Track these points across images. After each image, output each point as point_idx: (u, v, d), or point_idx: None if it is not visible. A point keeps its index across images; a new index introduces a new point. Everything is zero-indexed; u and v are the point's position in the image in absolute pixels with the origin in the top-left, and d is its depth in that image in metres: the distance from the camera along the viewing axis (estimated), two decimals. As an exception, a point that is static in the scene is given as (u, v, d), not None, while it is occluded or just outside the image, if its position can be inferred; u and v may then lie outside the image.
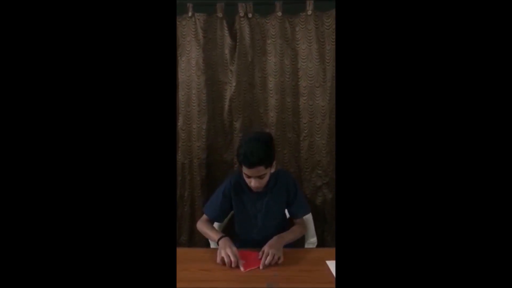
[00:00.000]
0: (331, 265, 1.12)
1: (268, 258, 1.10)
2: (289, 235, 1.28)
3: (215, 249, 1.22)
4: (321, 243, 1.58)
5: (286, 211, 1.42)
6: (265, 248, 1.15)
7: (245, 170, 1.18)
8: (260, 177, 1.19)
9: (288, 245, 1.33)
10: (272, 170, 1.25)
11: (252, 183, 1.20)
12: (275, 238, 1.21)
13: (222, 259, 1.10)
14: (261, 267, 1.09)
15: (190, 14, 1.69)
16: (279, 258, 1.13)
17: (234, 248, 1.13)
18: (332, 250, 1.18)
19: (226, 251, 1.11)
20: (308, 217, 1.50)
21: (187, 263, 1.16)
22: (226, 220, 1.47)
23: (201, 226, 1.33)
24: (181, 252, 1.29)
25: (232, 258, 1.07)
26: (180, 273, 1.09)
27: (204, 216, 1.36)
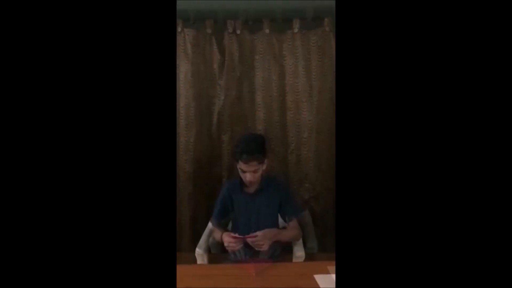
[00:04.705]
0: (319, 279, 1.12)
1: (252, 239, 1.26)
2: (286, 233, 1.40)
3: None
4: (308, 257, 1.57)
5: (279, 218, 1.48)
6: (258, 232, 1.29)
7: (241, 165, 1.35)
8: (254, 171, 1.35)
9: (275, 259, 1.33)
10: (264, 167, 1.40)
11: (247, 177, 1.36)
12: (273, 229, 1.35)
13: (227, 243, 1.31)
14: (248, 240, 1.27)
15: (179, 29, 1.72)
16: (262, 246, 1.27)
17: (232, 234, 1.33)
18: (320, 264, 1.18)
19: (227, 238, 1.31)
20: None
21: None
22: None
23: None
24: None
25: (232, 239, 1.29)
26: None
27: (210, 225, 1.51)
